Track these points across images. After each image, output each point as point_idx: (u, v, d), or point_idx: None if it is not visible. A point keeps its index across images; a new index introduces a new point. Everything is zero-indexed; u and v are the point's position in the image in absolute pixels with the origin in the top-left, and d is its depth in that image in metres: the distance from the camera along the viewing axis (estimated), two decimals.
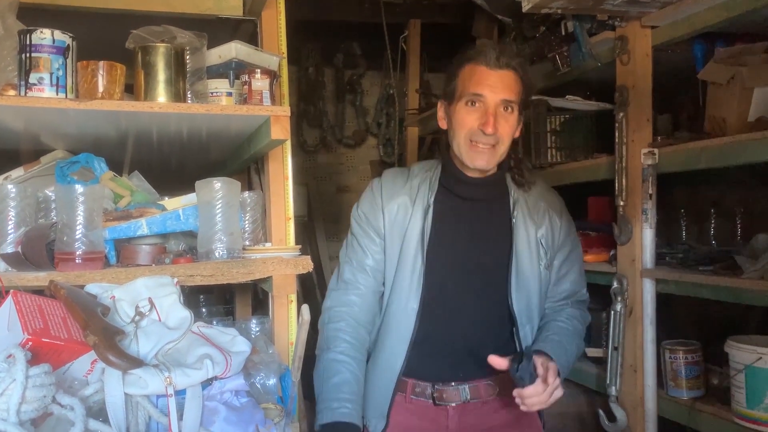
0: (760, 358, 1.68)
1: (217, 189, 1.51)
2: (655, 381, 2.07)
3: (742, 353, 1.74)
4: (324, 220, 4.62)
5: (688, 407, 1.96)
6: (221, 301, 2.83)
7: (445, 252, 1.57)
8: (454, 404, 1.56)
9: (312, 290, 4.53)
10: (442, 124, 1.61)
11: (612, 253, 2.25)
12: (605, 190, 2.44)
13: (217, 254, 1.51)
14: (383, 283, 1.59)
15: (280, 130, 1.51)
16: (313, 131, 4.54)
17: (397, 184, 1.63)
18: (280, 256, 1.57)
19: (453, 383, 1.56)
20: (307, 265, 1.57)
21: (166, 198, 1.66)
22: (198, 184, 1.53)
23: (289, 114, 1.53)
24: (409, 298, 1.54)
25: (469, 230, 1.60)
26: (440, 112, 1.62)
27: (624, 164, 2.11)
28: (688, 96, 2.42)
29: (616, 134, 2.13)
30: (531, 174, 1.68)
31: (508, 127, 1.52)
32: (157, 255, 1.54)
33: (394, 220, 1.59)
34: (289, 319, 1.65)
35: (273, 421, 1.25)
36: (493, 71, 1.51)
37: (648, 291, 2.08)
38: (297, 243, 1.74)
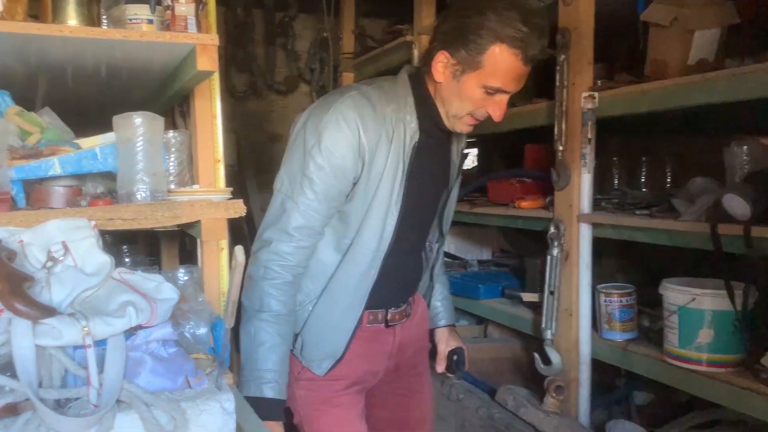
0: (694, 299, 1.71)
1: (138, 125, 1.38)
2: (590, 324, 2.10)
3: (677, 294, 1.76)
4: (255, 170, 4.47)
5: (621, 349, 1.99)
6: (146, 253, 2.70)
7: (415, 199, 1.51)
8: (400, 323, 1.64)
9: (242, 241, 4.40)
10: (439, 77, 1.42)
11: (548, 199, 2.24)
12: (542, 138, 2.42)
13: (138, 196, 1.39)
14: (346, 231, 1.48)
15: (208, 61, 1.38)
16: (242, 76, 4.35)
17: (375, 122, 1.41)
18: (209, 199, 1.46)
19: (402, 305, 1.64)
20: (239, 208, 1.46)
21: (82, 139, 1.52)
22: (116, 119, 1.39)
23: (218, 43, 1.40)
24: (378, 248, 1.49)
25: (432, 173, 1.59)
26: (440, 65, 1.41)
27: (564, 108, 2.08)
28: (625, 43, 2.41)
29: (557, 78, 2.10)
30: None
31: None
32: (72, 197, 1.40)
33: (371, 165, 1.42)
34: (220, 267, 1.53)
35: (204, 372, 1.17)
36: (526, 67, 1.37)
37: (585, 235, 2.08)
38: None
